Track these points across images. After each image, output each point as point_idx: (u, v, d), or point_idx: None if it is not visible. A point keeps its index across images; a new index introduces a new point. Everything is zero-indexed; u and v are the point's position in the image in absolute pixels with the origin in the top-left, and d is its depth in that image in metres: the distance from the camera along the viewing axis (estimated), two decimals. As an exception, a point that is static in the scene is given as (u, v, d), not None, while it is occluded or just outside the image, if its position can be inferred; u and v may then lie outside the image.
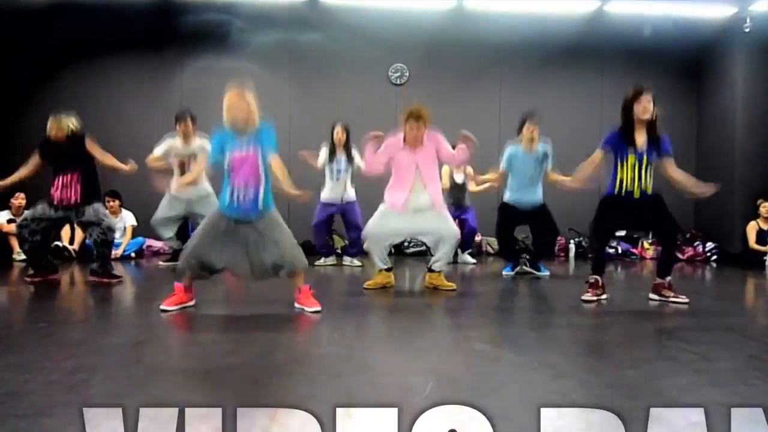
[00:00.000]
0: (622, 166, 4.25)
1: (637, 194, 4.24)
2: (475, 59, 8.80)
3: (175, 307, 3.66)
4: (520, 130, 5.74)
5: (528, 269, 5.98)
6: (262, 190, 3.65)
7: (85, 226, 4.98)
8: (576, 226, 8.22)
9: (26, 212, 4.99)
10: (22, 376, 2.24)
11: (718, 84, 8.56)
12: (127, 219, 7.33)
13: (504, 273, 5.97)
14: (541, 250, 6.10)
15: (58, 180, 4.85)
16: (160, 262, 6.62)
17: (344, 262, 6.75)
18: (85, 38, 8.35)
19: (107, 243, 4.92)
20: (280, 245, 3.65)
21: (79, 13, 8.01)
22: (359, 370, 2.46)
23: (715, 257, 8.09)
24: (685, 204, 8.69)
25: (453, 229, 4.81)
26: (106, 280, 4.92)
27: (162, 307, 3.64)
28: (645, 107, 4.12)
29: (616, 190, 4.28)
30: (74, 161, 4.87)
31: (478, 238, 8.30)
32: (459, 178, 7.32)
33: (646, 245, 8.31)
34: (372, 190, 6.20)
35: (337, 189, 6.44)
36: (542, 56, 8.68)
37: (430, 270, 4.86)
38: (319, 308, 3.68)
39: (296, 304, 3.77)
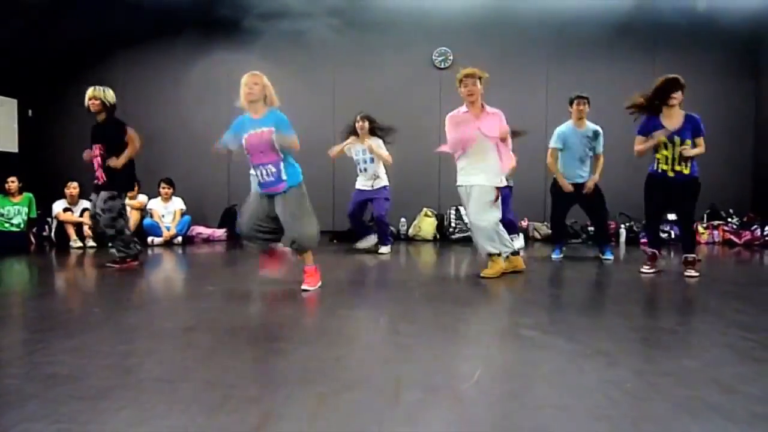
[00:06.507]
0: (657, 146, 4.69)
1: (671, 174, 4.66)
2: (521, 41, 8.64)
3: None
4: (570, 107, 5.89)
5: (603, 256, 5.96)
6: (282, 165, 3.84)
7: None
8: (627, 210, 8.01)
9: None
10: (80, 359, 2.32)
11: (778, 59, 8.16)
12: (177, 204, 7.84)
13: (553, 257, 6.02)
14: (599, 231, 6.04)
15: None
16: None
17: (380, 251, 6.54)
18: (125, 27, 8.58)
19: (109, 228, 5.19)
20: (295, 220, 3.85)
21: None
22: (407, 356, 2.45)
23: (774, 241, 7.75)
24: (743, 186, 8.38)
25: (479, 220, 4.64)
26: (125, 266, 5.22)
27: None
28: (676, 97, 4.55)
29: (654, 168, 4.78)
30: (101, 134, 5.16)
31: (524, 223, 8.19)
32: None
33: (700, 229, 8.02)
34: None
35: (364, 179, 6.48)
36: (591, 36, 8.46)
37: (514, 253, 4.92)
38: (310, 288, 3.97)
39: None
